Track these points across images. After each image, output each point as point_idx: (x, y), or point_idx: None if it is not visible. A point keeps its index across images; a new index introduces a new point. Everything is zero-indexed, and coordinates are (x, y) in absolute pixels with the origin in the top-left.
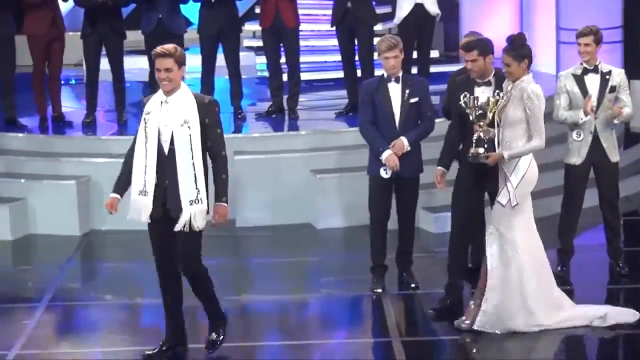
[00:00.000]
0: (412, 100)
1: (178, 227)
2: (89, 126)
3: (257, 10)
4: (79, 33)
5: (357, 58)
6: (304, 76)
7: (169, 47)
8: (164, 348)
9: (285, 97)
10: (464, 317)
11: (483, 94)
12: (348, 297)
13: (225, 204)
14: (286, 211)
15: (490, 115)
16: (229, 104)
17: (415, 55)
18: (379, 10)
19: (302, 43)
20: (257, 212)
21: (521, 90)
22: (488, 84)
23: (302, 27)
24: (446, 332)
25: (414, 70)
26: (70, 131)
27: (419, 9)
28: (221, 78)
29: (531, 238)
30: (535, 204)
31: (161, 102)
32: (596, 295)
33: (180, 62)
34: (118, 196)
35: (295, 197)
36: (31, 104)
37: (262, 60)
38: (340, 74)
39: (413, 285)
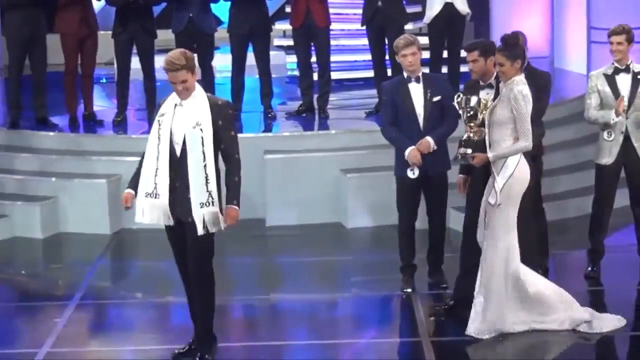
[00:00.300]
0: (435, 99)
1: (200, 232)
2: (120, 125)
3: (288, 10)
4: (109, 32)
5: (387, 57)
6: (334, 75)
7: (177, 58)
8: (192, 347)
9: (315, 96)
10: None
11: (487, 95)
12: (377, 297)
13: (237, 207)
14: (316, 210)
15: (480, 116)
16: (259, 103)
17: (445, 54)
18: (409, 10)
19: (332, 42)
20: (286, 211)
21: (510, 91)
22: (490, 86)
23: (333, 26)
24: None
25: (444, 69)
26: (101, 130)
27: (449, 8)
28: (251, 77)
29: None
30: (566, 204)
31: (175, 104)
32: (627, 296)
33: (193, 68)
34: (132, 192)
35: (324, 196)
36: (62, 102)
37: (292, 59)
38: (370, 74)
39: (443, 285)
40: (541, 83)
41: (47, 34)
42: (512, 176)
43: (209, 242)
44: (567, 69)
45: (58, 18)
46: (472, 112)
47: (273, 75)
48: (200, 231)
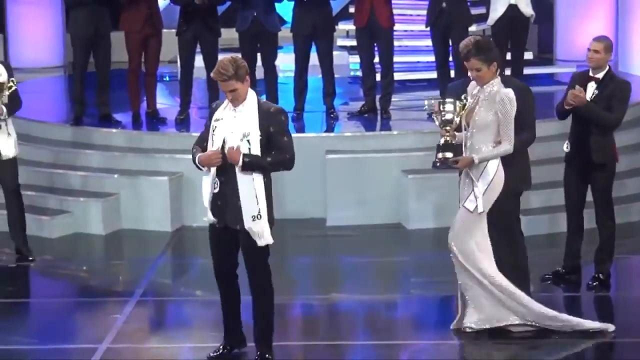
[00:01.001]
0: None
1: (260, 243)
2: (183, 123)
3: (351, 10)
4: (173, 30)
5: (450, 59)
6: (397, 76)
7: (226, 68)
8: (225, 350)
9: (378, 96)
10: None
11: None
12: (437, 298)
13: (242, 157)
14: (377, 211)
15: (457, 120)
16: (321, 103)
17: (508, 56)
18: (474, 11)
19: (395, 43)
20: (347, 212)
21: (492, 94)
22: None
23: (396, 27)
24: (535, 334)
25: (507, 71)
26: (164, 128)
27: (513, 10)
28: (314, 77)
29: (488, 244)
30: (630, 208)
31: (228, 111)
32: None
33: (242, 77)
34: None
35: (386, 197)
36: (126, 100)
37: (355, 59)
38: (433, 75)
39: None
40: (620, 92)
41: (111, 31)
42: (492, 182)
43: (265, 248)
44: (632, 73)
45: (123, 17)
46: (447, 117)
47: (336, 76)
48: (260, 242)
